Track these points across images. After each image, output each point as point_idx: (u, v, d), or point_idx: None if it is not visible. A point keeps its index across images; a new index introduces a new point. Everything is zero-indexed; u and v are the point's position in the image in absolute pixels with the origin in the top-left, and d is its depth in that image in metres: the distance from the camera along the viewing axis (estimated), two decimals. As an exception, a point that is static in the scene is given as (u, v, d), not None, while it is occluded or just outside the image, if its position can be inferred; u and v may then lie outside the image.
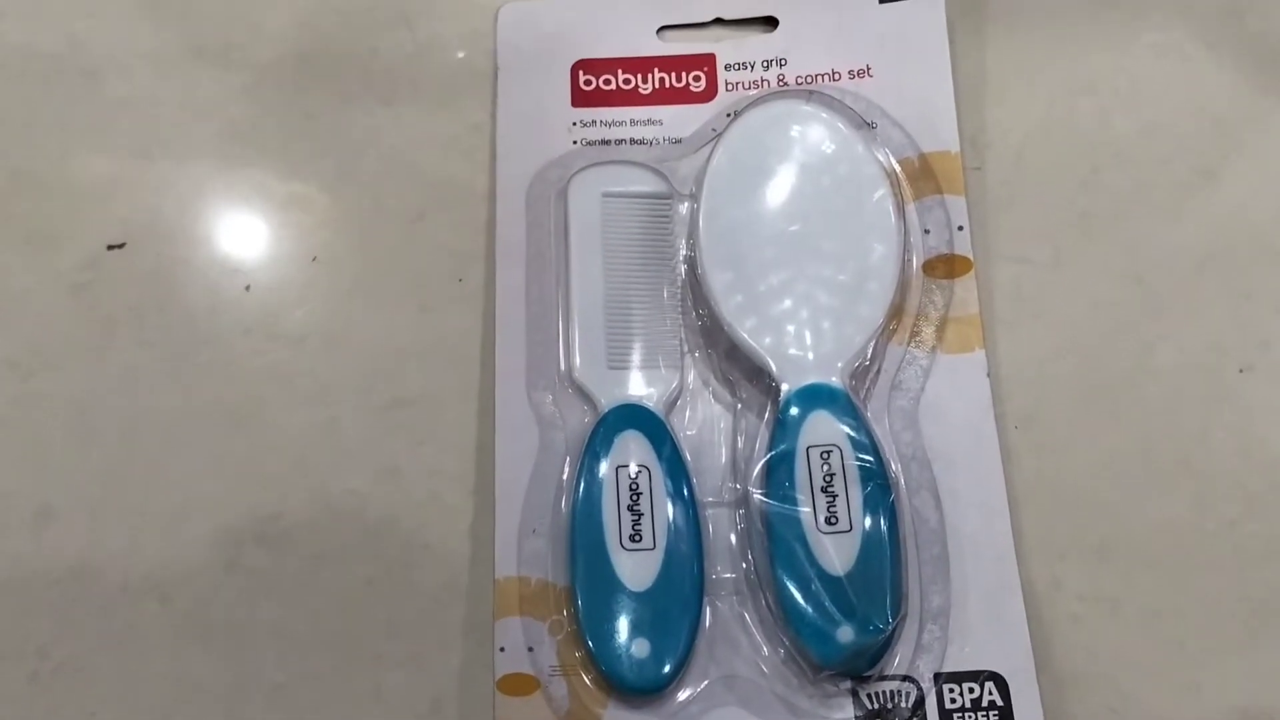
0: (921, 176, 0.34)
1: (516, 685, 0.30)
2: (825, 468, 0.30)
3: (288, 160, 0.35)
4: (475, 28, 0.37)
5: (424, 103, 0.36)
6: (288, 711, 0.30)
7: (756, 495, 0.30)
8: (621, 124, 0.35)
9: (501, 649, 0.30)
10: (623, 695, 0.29)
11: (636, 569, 0.30)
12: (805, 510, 0.29)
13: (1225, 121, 0.36)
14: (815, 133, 0.33)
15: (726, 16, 0.36)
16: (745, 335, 0.31)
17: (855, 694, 0.30)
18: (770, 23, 0.36)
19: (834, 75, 0.35)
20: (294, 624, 0.31)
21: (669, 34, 0.36)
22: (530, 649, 0.30)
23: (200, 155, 0.35)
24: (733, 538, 0.31)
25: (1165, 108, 0.36)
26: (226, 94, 0.36)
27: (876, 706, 0.30)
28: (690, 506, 0.30)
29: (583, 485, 0.30)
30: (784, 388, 0.31)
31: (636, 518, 0.30)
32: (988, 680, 0.30)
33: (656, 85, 0.36)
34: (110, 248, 0.34)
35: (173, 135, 0.36)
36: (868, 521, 0.30)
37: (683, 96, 0.36)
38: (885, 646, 0.29)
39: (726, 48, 0.36)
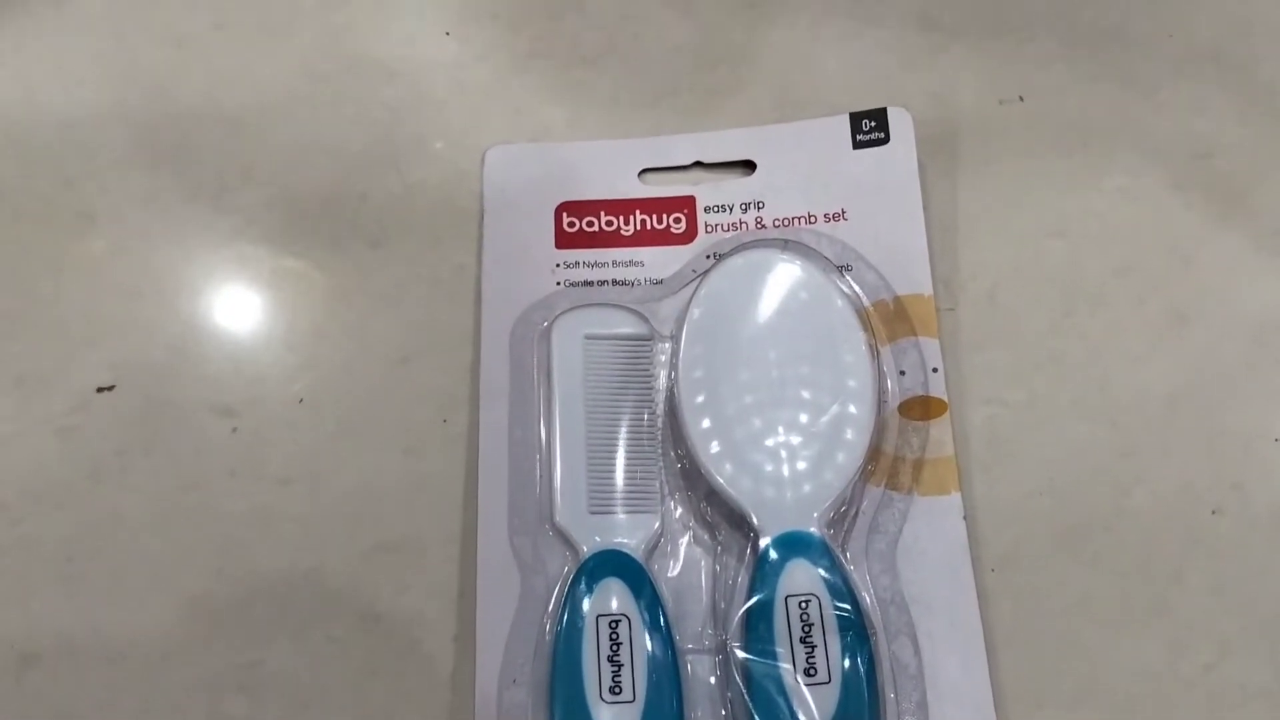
0: (896, 318, 0.35)
1: None
2: (804, 617, 0.30)
3: (276, 301, 0.36)
4: (462, 170, 0.37)
5: (411, 245, 0.37)
6: None
7: (736, 648, 0.30)
8: (604, 265, 0.36)
9: (481, 803, 0.30)
10: None
11: (617, 721, 0.30)
12: (785, 665, 0.30)
13: (1194, 262, 0.36)
14: (791, 281, 0.34)
15: (705, 160, 0.37)
16: (723, 482, 0.32)
17: None
18: (748, 166, 0.37)
19: (810, 218, 0.36)
20: (274, 775, 0.31)
21: (650, 176, 0.37)
22: (510, 803, 0.30)
23: (190, 296, 0.36)
24: (713, 682, 0.31)
25: (1135, 249, 0.37)
26: (218, 237, 0.37)
27: None
28: (670, 655, 0.30)
29: (563, 634, 0.31)
30: (763, 539, 0.31)
31: (616, 669, 0.30)
32: None
33: (638, 227, 0.37)
34: (99, 390, 0.35)
35: (163, 276, 0.36)
36: (846, 671, 0.30)
37: (664, 238, 0.36)
38: (865, 801, 0.29)
39: (706, 190, 0.37)
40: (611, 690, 0.30)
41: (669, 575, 0.32)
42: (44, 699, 0.31)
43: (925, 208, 0.36)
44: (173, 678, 0.32)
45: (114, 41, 0.40)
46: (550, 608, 0.32)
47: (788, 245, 0.35)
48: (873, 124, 0.37)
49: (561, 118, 0.38)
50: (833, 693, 0.30)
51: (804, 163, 0.37)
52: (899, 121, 0.37)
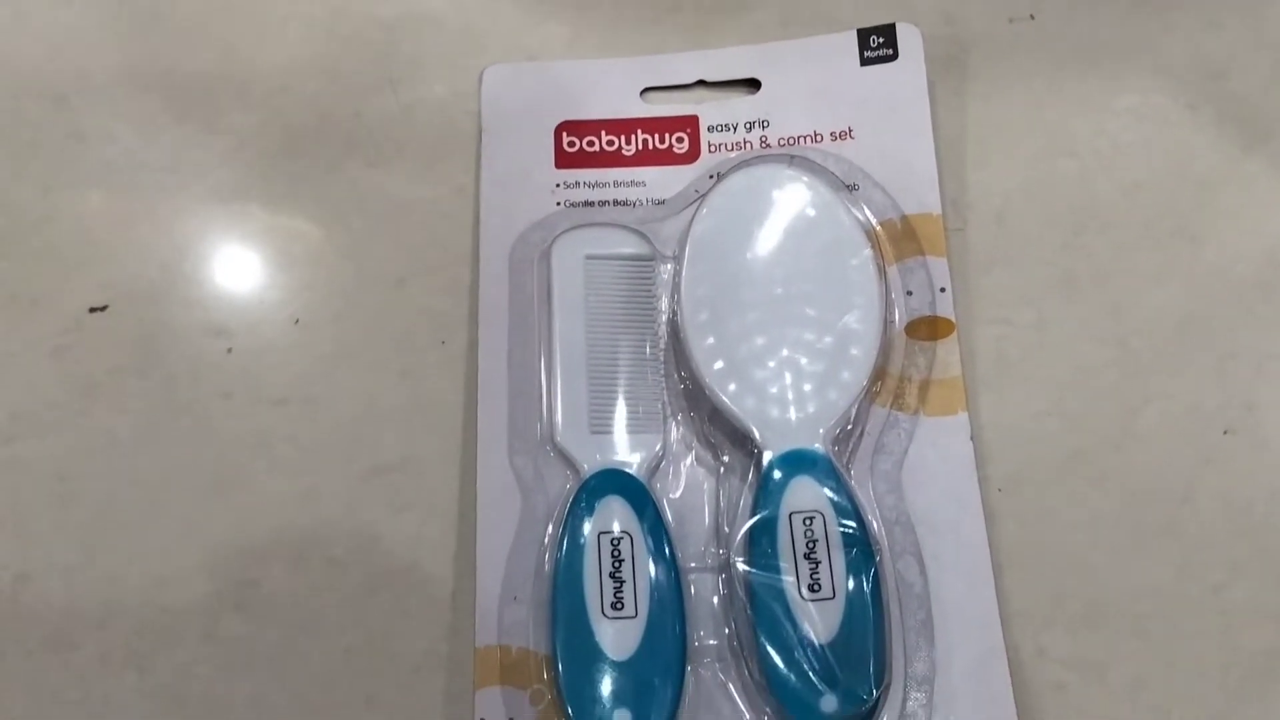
0: (904, 238, 0.34)
1: None
2: (808, 534, 0.30)
3: (271, 223, 0.35)
4: (460, 89, 0.37)
5: (408, 165, 0.36)
6: None
7: (739, 563, 0.30)
8: (605, 185, 0.35)
9: (482, 719, 0.30)
10: None
11: (618, 637, 0.29)
12: (788, 578, 0.29)
13: (1207, 183, 0.36)
14: (797, 197, 0.33)
15: (709, 79, 0.36)
16: (727, 400, 0.31)
17: None
18: (753, 85, 0.36)
19: (816, 137, 0.35)
20: (272, 695, 0.30)
21: (652, 96, 0.36)
22: (511, 719, 0.30)
23: (184, 217, 0.36)
24: (715, 602, 0.31)
25: (1147, 170, 0.36)
26: (211, 157, 0.36)
27: None
28: (673, 573, 0.30)
29: (564, 552, 0.30)
30: (767, 454, 0.31)
31: (618, 585, 0.30)
32: None
33: (640, 147, 0.36)
34: (92, 310, 0.34)
35: (156, 197, 0.36)
36: (851, 588, 0.29)
37: (666, 158, 0.36)
38: (870, 716, 0.29)
39: (709, 109, 0.36)
40: (613, 606, 0.29)
41: (672, 496, 0.32)
42: (38, 618, 0.31)
43: (934, 127, 0.35)
44: (169, 598, 0.31)
45: (103, -39, 0.39)
46: (551, 526, 0.31)
47: (793, 161, 0.34)
48: (881, 41, 0.36)
49: (562, 36, 0.38)
50: (836, 609, 0.29)
51: (810, 81, 0.36)
52: (908, 38, 0.36)
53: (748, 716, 0.30)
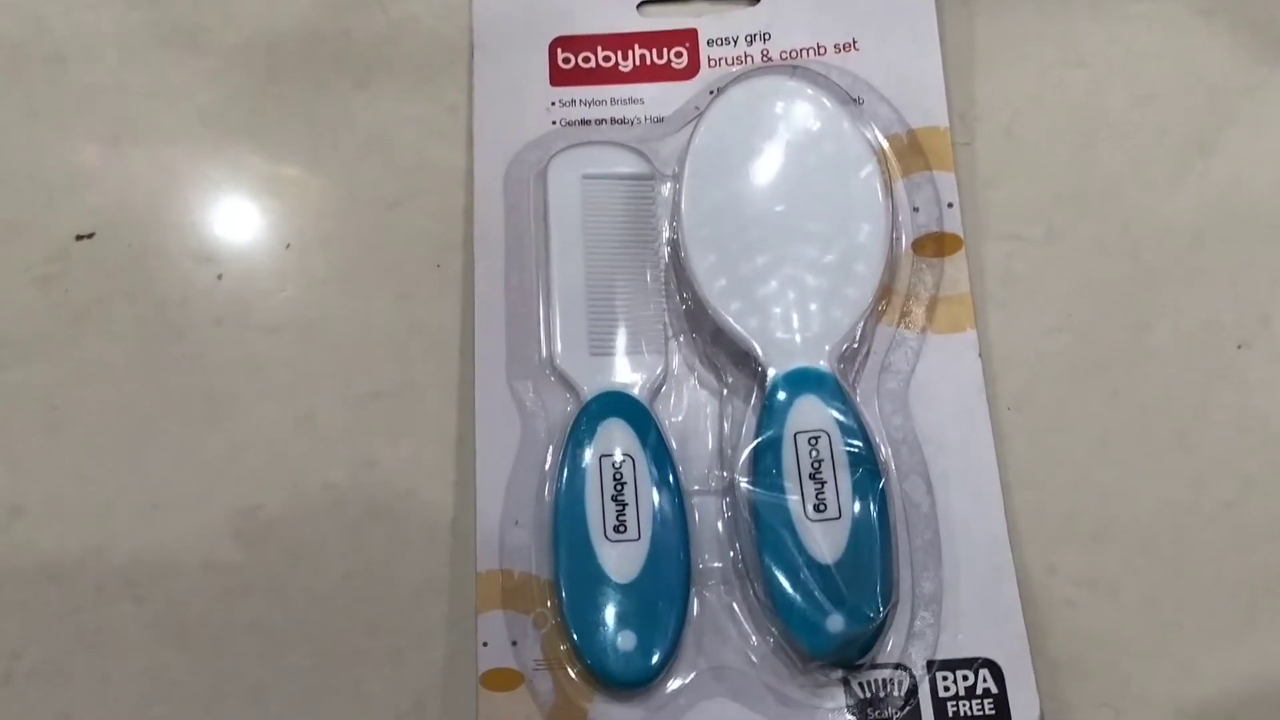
0: (910, 153, 0.33)
1: (500, 680, 0.29)
2: (813, 454, 0.29)
3: (259, 146, 0.34)
4: (451, 5, 0.36)
5: (398, 85, 0.35)
6: (267, 711, 0.29)
7: (743, 483, 0.29)
8: (602, 103, 0.34)
9: (485, 644, 0.29)
10: (609, 689, 0.29)
11: (621, 560, 0.29)
12: (793, 498, 0.29)
13: (1221, 92, 0.35)
14: (800, 109, 0.32)
15: None
16: (730, 319, 0.31)
17: (847, 683, 0.29)
18: None
19: (819, 49, 0.34)
20: (272, 621, 0.30)
21: (649, 9, 0.35)
22: (514, 643, 0.29)
23: (170, 142, 0.35)
24: (720, 526, 0.30)
25: (1159, 79, 0.35)
26: (196, 79, 0.35)
27: (868, 695, 0.29)
28: (676, 495, 0.30)
29: (565, 476, 0.30)
30: (770, 372, 0.30)
31: (621, 508, 0.29)
32: (982, 667, 0.29)
33: (637, 62, 0.35)
34: (79, 238, 0.33)
35: (141, 122, 0.35)
36: (857, 508, 0.29)
37: (664, 74, 0.35)
38: (876, 635, 0.29)
39: (708, 23, 0.35)
40: (616, 529, 0.29)
41: (674, 420, 0.31)
42: (32, 550, 0.31)
43: (941, 38, 0.34)
44: (164, 527, 0.31)
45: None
46: (552, 450, 0.31)
47: (795, 74, 0.33)
48: None
49: None
50: (842, 528, 0.29)
51: None
52: None
53: (753, 639, 0.30)
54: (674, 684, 0.29)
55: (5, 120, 0.35)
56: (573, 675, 0.29)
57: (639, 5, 0.35)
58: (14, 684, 0.30)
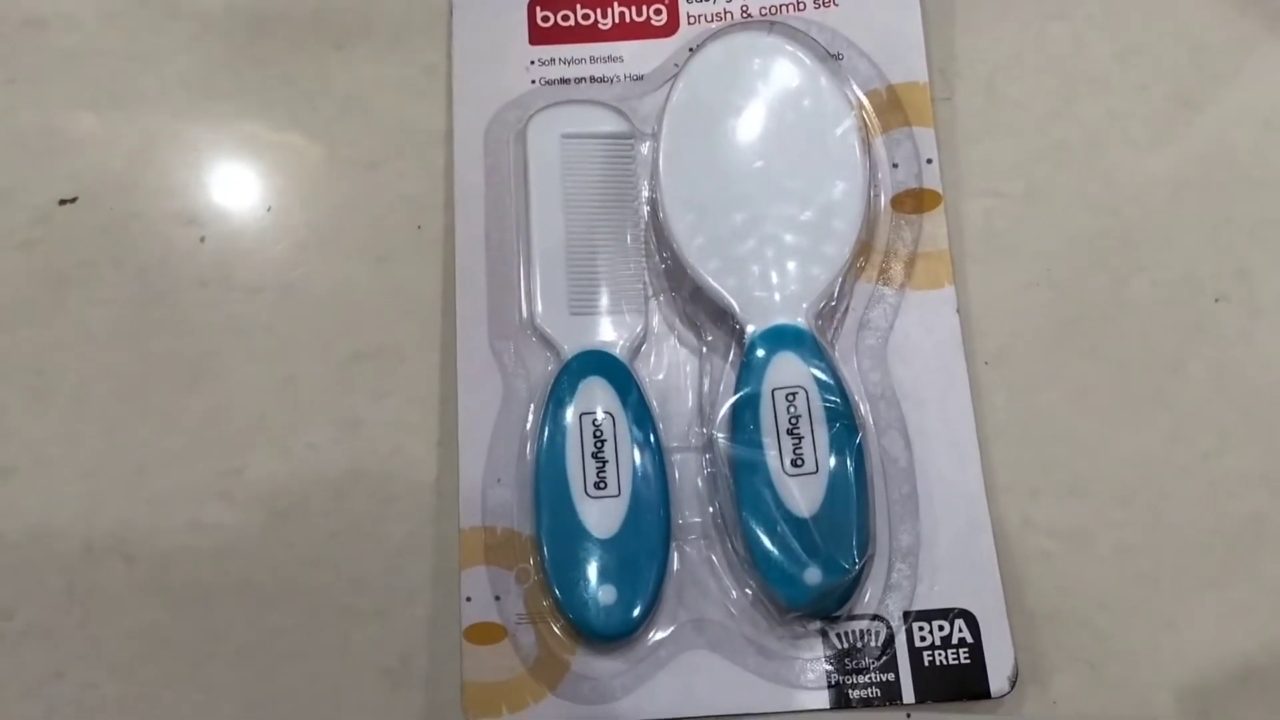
0: (889, 109, 0.33)
1: (484, 634, 0.29)
2: (791, 410, 0.30)
3: (239, 109, 0.35)
4: (429, -36, 0.36)
5: (377, 45, 0.35)
6: (255, 668, 0.30)
7: (721, 439, 0.30)
8: (581, 61, 0.34)
9: (468, 599, 0.30)
10: (590, 642, 0.29)
11: (602, 516, 0.29)
12: (771, 453, 0.29)
13: (1203, 46, 0.35)
14: (778, 66, 0.32)
15: None
16: (709, 277, 0.31)
17: (824, 634, 0.29)
18: None
19: (798, 5, 0.34)
20: (259, 580, 0.30)
21: (629, -33, 0.35)
22: (497, 598, 0.30)
23: (150, 106, 0.35)
24: (699, 482, 0.31)
25: (1141, 33, 0.35)
26: (176, 43, 0.35)
27: (846, 646, 0.29)
28: (656, 452, 0.30)
29: (546, 434, 0.30)
30: (749, 329, 0.30)
31: (601, 465, 0.30)
32: (958, 618, 0.30)
33: (616, 20, 0.35)
34: (61, 203, 0.33)
35: (121, 86, 0.35)
36: (834, 463, 0.29)
37: (643, 31, 0.35)
38: (853, 587, 0.29)
39: (688, -20, 0.35)
40: (596, 485, 0.29)
41: (655, 378, 0.32)
42: (22, 512, 0.31)
43: None
44: (153, 489, 0.31)
45: None
46: (533, 408, 0.31)
47: (774, 29, 0.33)
48: None
49: None
50: (819, 482, 0.29)
51: None
52: None
53: (733, 592, 0.30)
54: (655, 636, 0.30)
55: (-15, 85, 0.35)
56: (555, 629, 0.30)
57: (618, -38, 0.35)
58: (6, 642, 0.30)
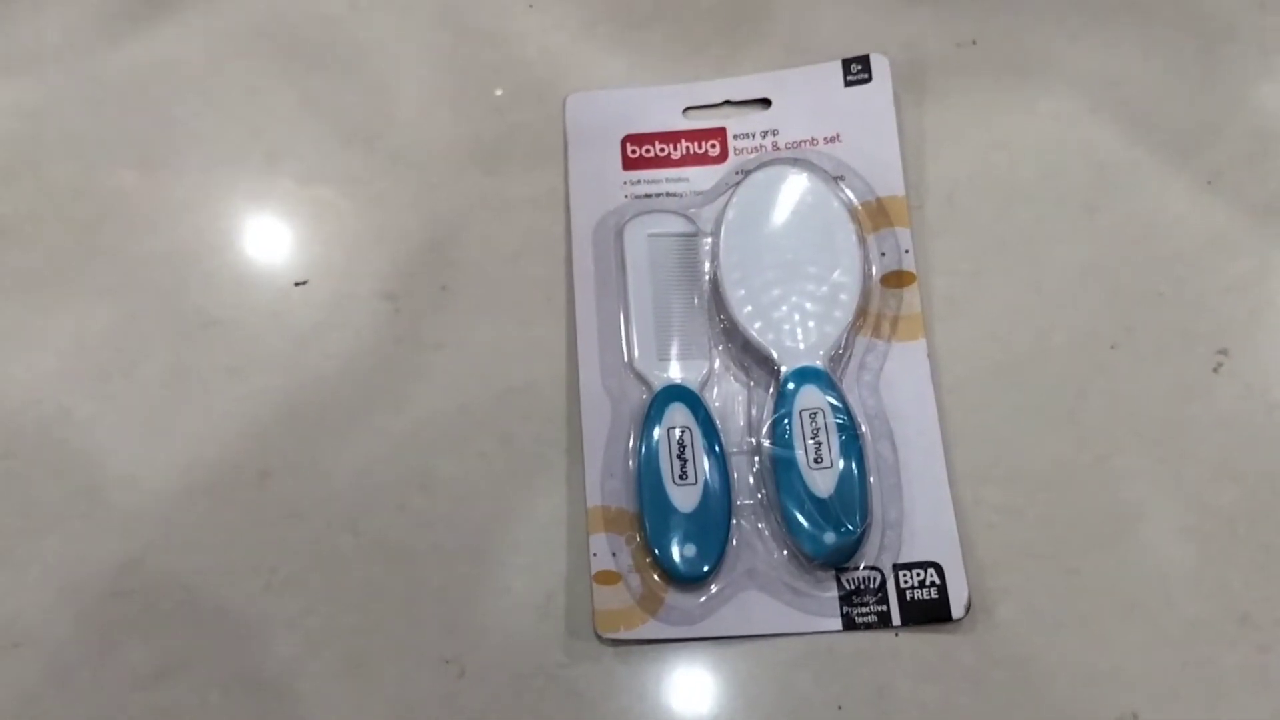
0: (878, 214, 0.45)
1: (606, 579, 0.41)
2: (813, 424, 0.42)
3: (418, 220, 0.46)
4: (549, 113, 0.48)
5: (515, 171, 0.47)
6: (446, 606, 0.41)
7: (765, 445, 0.42)
8: (659, 181, 0.46)
9: (594, 554, 0.41)
10: (677, 584, 0.40)
11: (685, 498, 0.41)
12: (800, 454, 0.41)
13: (1105, 166, 0.45)
14: (801, 186, 0.44)
15: (733, 99, 0.47)
16: (755, 334, 0.43)
17: (838, 578, 0.40)
18: (765, 103, 0.47)
19: (813, 141, 0.46)
20: (447, 545, 0.42)
21: (692, 113, 0.47)
22: (614, 554, 0.41)
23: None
24: (750, 475, 0.42)
25: (1060, 158, 0.45)
26: (373, 170, 0.48)
27: (853, 587, 0.41)
28: (720, 455, 0.42)
29: (644, 442, 0.42)
30: (783, 369, 0.42)
31: (683, 463, 0.42)
32: (930, 568, 0.41)
33: (684, 153, 0.47)
34: (296, 284, 0.47)
35: (327, 213, 0.48)
36: (843, 461, 0.41)
37: (702, 160, 0.46)
38: (857, 545, 0.40)
39: (734, 123, 0.47)
40: (680, 477, 0.42)
41: (717, 404, 0.43)
42: (279, 500, 0.43)
43: (900, 130, 0.45)
44: (373, 483, 0.43)
45: None
46: (633, 426, 0.43)
47: (797, 162, 0.46)
48: (859, 67, 0.47)
49: (622, 69, 0.48)
50: (833, 474, 0.41)
51: (808, 99, 0.46)
52: (879, 64, 0.46)
53: (774, 552, 0.42)
54: (719, 583, 0.41)
55: None
56: (654, 576, 0.41)
57: (684, 110, 0.47)
58: (272, 589, 0.42)
